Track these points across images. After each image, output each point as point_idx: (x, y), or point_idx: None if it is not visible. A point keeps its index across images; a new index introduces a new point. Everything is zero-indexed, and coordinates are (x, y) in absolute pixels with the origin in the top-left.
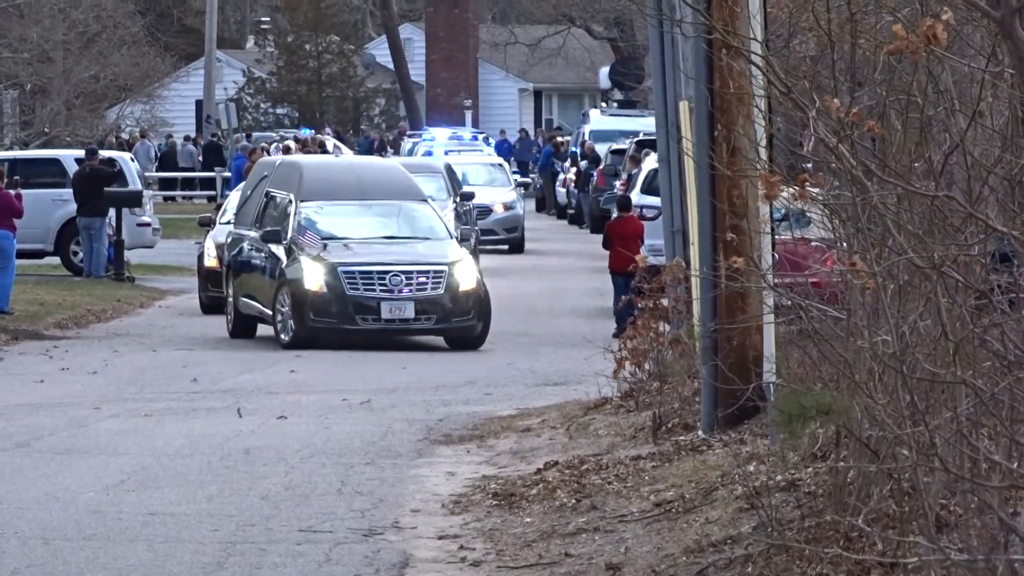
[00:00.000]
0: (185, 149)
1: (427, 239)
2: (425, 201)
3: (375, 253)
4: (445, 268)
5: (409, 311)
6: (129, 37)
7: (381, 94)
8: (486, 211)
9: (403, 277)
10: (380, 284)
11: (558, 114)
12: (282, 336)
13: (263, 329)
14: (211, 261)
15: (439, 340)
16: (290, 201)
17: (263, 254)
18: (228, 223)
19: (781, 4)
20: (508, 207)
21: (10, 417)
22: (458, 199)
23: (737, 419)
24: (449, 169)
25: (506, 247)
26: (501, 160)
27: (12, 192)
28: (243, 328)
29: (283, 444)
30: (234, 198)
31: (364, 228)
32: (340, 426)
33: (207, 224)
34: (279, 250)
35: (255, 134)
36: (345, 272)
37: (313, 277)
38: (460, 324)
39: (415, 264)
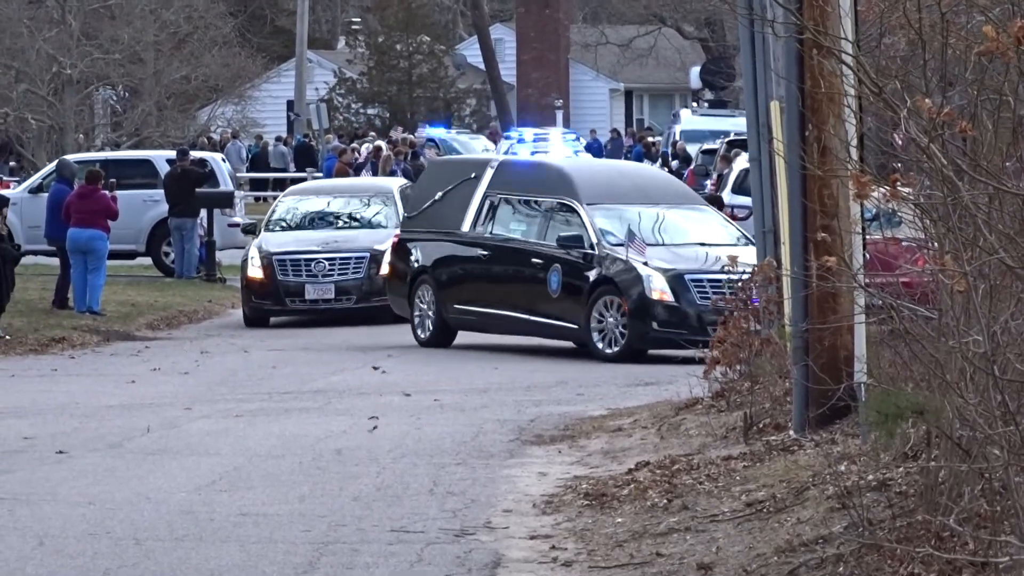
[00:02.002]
0: (277, 150)
1: (736, 244)
2: (707, 205)
3: (713, 260)
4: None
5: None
6: (220, 38)
7: (472, 94)
8: None
9: None
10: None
11: (649, 114)
12: (604, 349)
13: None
14: (255, 271)
15: (529, 340)
16: (562, 205)
17: (540, 260)
18: (273, 230)
19: (872, 3)
20: None
21: (102, 418)
22: None
23: (828, 419)
24: None
25: None
26: None
27: (108, 194)
28: (444, 337)
29: (374, 444)
30: (285, 203)
31: (668, 234)
32: (432, 427)
33: (251, 231)
34: (579, 256)
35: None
36: (693, 280)
37: (657, 285)
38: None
39: None
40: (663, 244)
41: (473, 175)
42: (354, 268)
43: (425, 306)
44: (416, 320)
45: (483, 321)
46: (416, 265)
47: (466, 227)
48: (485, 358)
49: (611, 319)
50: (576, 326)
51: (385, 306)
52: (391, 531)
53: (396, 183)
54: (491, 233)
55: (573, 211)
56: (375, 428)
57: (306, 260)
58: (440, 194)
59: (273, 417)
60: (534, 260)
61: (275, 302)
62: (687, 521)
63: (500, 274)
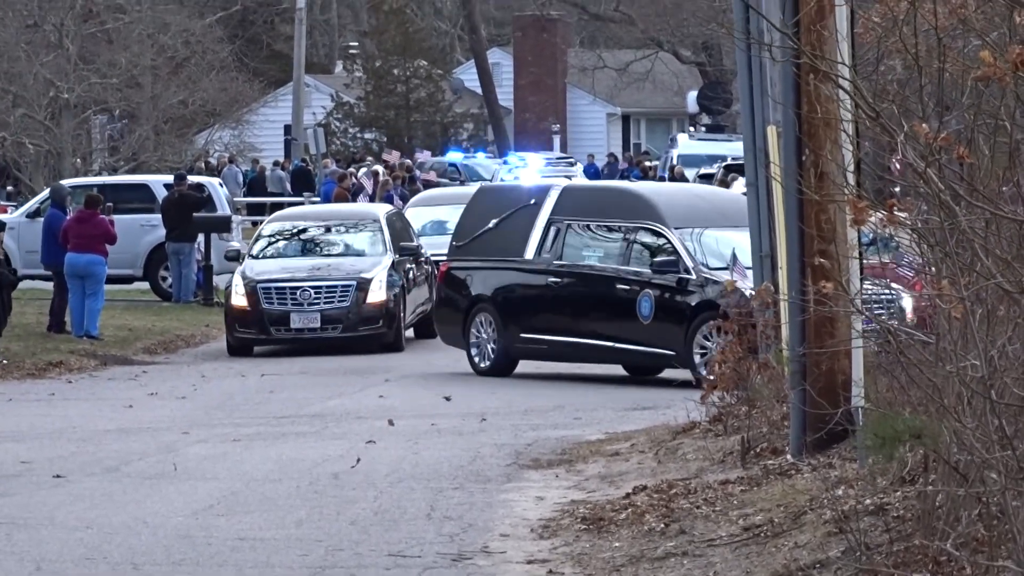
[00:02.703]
0: (274, 174)
1: None
2: None
3: None
4: None
5: None
6: (217, 62)
7: (469, 119)
8: None
9: None
10: None
11: (646, 138)
12: (709, 374)
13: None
14: (239, 299)
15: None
16: (646, 230)
17: (627, 286)
18: (257, 257)
19: (869, 27)
20: None
21: (99, 442)
22: None
23: (826, 443)
24: None
25: None
26: None
27: (106, 218)
28: (506, 366)
29: (372, 469)
30: (270, 230)
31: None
32: (429, 451)
33: (235, 259)
34: (673, 280)
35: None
36: None
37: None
38: None
39: None
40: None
41: (532, 201)
42: (340, 296)
43: (484, 336)
44: (474, 350)
45: (557, 350)
46: (472, 294)
47: (530, 254)
48: (483, 383)
49: (716, 344)
50: (673, 352)
51: (371, 335)
52: (388, 555)
53: (383, 209)
54: (561, 260)
55: (660, 236)
56: (356, 462)
57: (291, 288)
58: (495, 221)
59: (270, 441)
60: (620, 286)
61: (259, 331)
62: (684, 545)
63: (578, 301)
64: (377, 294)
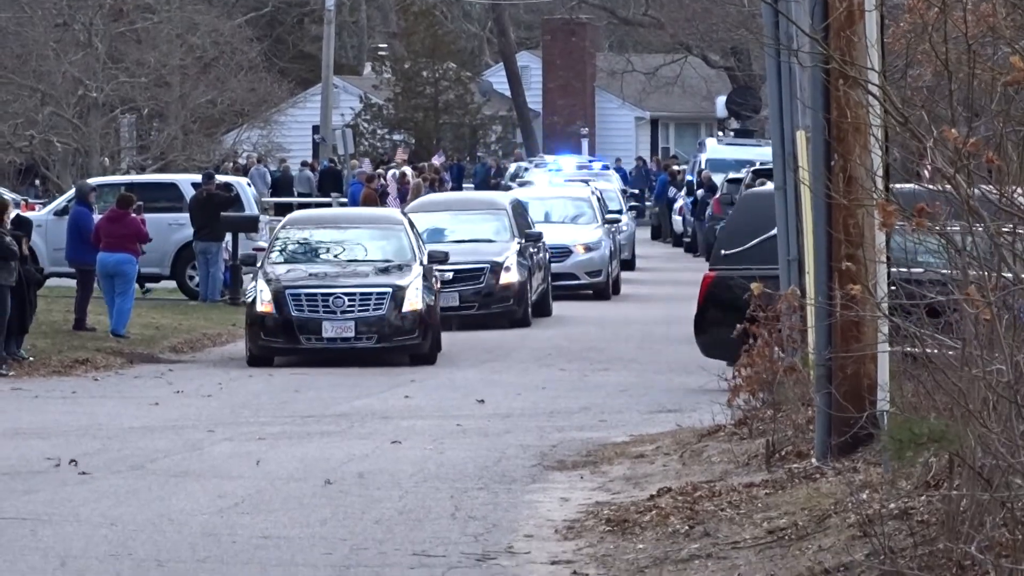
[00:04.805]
0: (303, 174)
1: None
2: None
3: None
4: None
5: None
6: (246, 62)
7: (497, 121)
8: (565, 252)
9: None
10: None
11: (674, 142)
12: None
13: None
14: (265, 306)
15: (553, 367)
16: None
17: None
18: (278, 261)
19: (898, 34)
20: (590, 248)
21: (125, 439)
22: (523, 240)
23: (850, 447)
24: (517, 206)
25: (590, 292)
26: (590, 193)
27: (139, 217)
28: None
29: (397, 468)
30: (288, 233)
31: None
32: (454, 451)
33: (251, 263)
34: None
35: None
36: None
37: None
38: None
39: None
40: None
41: None
42: (375, 304)
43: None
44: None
45: None
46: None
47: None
48: (509, 384)
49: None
50: None
51: (406, 346)
52: (413, 555)
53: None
54: None
55: None
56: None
57: (324, 294)
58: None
59: (295, 440)
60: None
61: (287, 340)
62: (708, 548)
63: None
64: (413, 302)
